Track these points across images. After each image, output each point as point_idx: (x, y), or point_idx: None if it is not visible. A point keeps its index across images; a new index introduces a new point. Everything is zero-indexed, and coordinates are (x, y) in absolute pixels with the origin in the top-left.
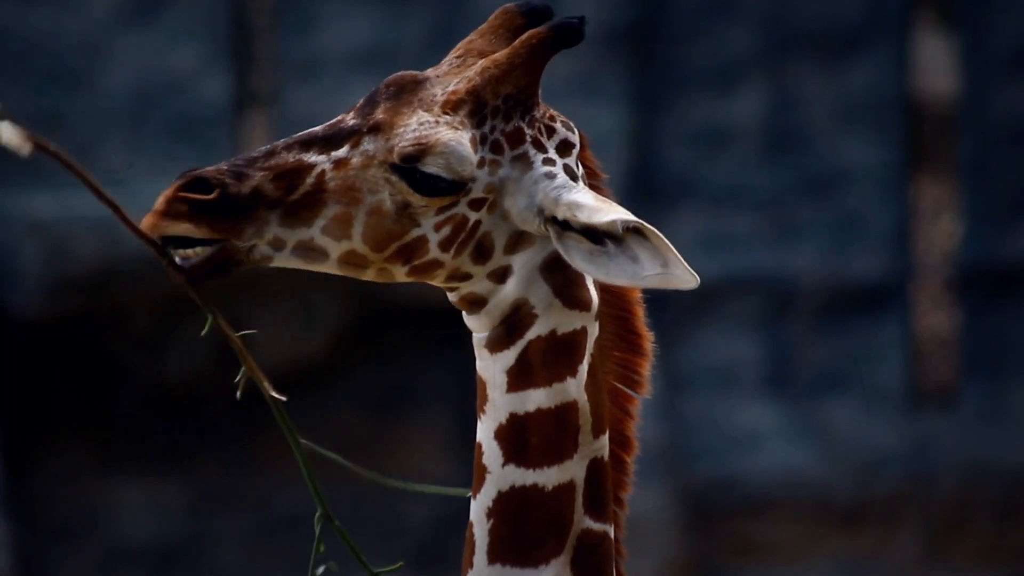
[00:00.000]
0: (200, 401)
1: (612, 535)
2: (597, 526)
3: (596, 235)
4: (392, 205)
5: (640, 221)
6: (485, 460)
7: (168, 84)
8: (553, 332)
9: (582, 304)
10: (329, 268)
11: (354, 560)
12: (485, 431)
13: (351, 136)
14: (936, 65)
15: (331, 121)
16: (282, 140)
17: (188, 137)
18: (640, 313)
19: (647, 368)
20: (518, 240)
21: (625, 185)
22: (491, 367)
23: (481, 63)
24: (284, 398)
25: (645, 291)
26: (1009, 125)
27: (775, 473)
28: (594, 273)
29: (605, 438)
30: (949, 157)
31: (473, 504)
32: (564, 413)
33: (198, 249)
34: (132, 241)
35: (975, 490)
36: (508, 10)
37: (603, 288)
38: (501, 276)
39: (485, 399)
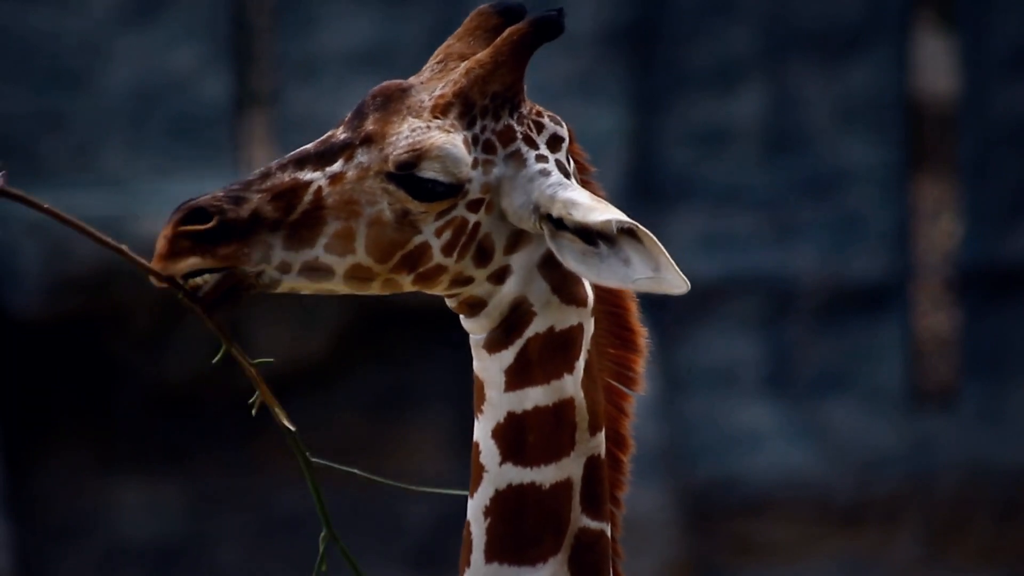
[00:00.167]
0: (200, 401)
1: (609, 534)
2: (594, 524)
3: (589, 235)
4: (392, 214)
5: (634, 223)
6: (482, 459)
7: (168, 84)
8: (551, 329)
9: (579, 300)
10: (336, 285)
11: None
12: (482, 430)
13: (344, 150)
14: (936, 65)
15: (322, 137)
16: (275, 161)
17: (188, 137)
18: (634, 309)
19: (641, 364)
20: (517, 240)
21: (625, 185)
22: (489, 367)
23: (465, 64)
24: (294, 428)
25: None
26: (1009, 125)
27: (775, 473)
28: (585, 273)
29: (601, 435)
30: (949, 157)
31: (470, 503)
32: (561, 411)
33: (207, 276)
34: (132, 241)
35: (975, 490)
36: (483, 11)
37: (597, 284)
38: (500, 277)
39: (482, 399)
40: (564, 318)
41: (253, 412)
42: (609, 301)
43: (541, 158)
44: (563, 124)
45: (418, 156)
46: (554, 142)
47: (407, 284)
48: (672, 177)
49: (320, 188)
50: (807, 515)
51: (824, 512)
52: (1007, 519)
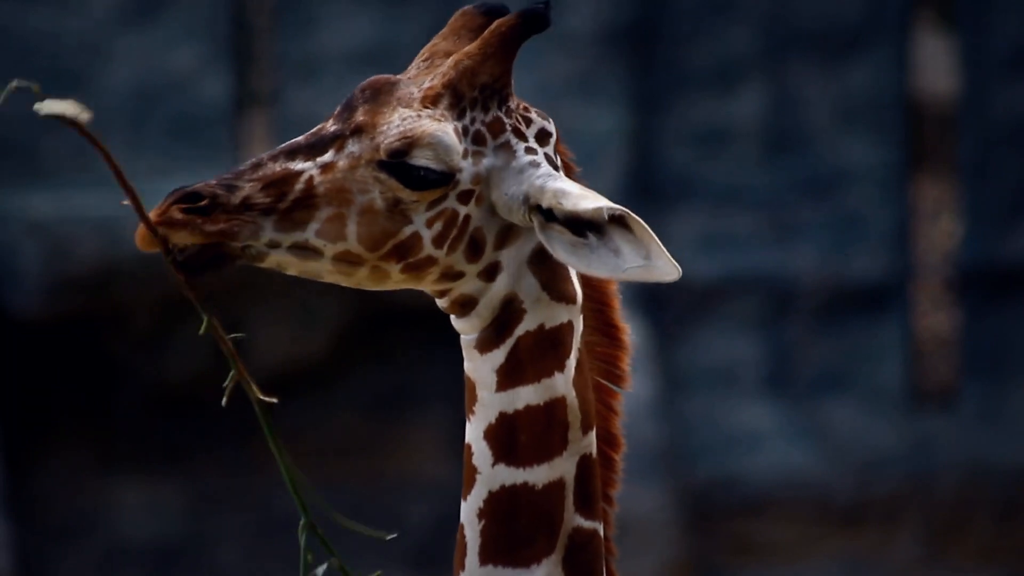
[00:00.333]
0: (200, 401)
1: (602, 532)
2: (587, 524)
3: (579, 226)
4: (383, 203)
5: (624, 209)
6: (475, 461)
7: (168, 84)
8: (541, 327)
9: (568, 297)
10: (324, 266)
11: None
12: (474, 431)
13: (334, 141)
14: (936, 65)
15: (312, 131)
16: (266, 152)
17: (188, 137)
18: (617, 306)
19: (627, 362)
20: (506, 235)
21: (625, 185)
22: (481, 367)
23: (453, 57)
24: (275, 400)
25: (646, 290)
26: (1009, 125)
27: (775, 473)
28: (575, 264)
29: (593, 434)
30: (949, 157)
31: (464, 506)
32: (553, 410)
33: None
34: (132, 241)
35: (975, 490)
36: (467, 12)
37: (583, 281)
38: (491, 274)
39: (474, 399)
40: (554, 315)
41: (227, 394)
42: (594, 298)
43: (530, 150)
44: (550, 120)
45: (410, 144)
46: (542, 136)
47: (395, 274)
48: (672, 177)
49: (311, 177)
50: (807, 515)
51: (824, 512)
52: (1007, 519)
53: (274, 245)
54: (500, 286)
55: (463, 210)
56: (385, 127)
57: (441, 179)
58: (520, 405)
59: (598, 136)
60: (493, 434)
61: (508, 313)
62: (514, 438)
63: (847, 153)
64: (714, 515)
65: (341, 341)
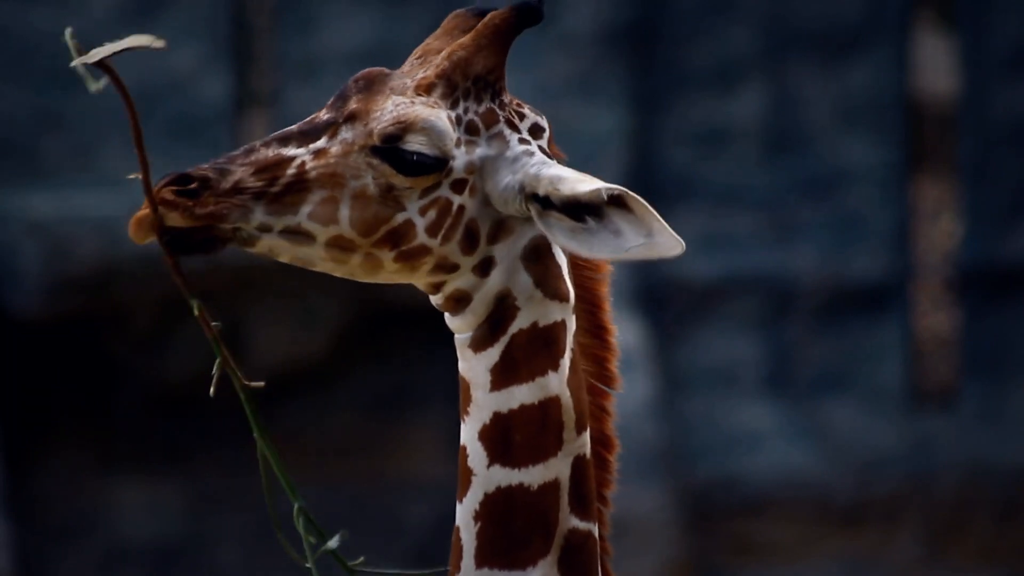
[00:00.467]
0: (200, 401)
1: (597, 533)
2: (582, 525)
3: (577, 211)
4: (376, 189)
5: (622, 188)
6: (470, 462)
7: (168, 84)
8: (535, 325)
9: (561, 295)
10: (316, 252)
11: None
12: (469, 433)
13: (328, 128)
14: (936, 65)
15: (306, 120)
16: (259, 139)
17: (188, 137)
18: (608, 308)
19: (615, 363)
20: (500, 229)
21: (625, 185)
22: (475, 367)
23: (447, 49)
24: (261, 384)
25: (646, 290)
26: (1009, 125)
27: (775, 473)
28: (577, 249)
29: (587, 435)
30: (949, 157)
31: (459, 508)
32: (547, 409)
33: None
34: (132, 241)
35: (975, 490)
36: (459, 14)
37: (574, 282)
38: (485, 268)
39: (468, 400)
40: (547, 313)
41: (214, 382)
42: (586, 299)
43: (524, 141)
44: (543, 117)
45: (403, 128)
46: (536, 130)
47: (388, 263)
48: (672, 177)
49: (304, 163)
50: (807, 515)
51: (824, 512)
52: (1007, 519)
53: (265, 229)
54: (494, 282)
55: (457, 200)
56: (379, 113)
57: (435, 164)
58: (515, 405)
59: (598, 136)
60: (488, 435)
61: (502, 310)
62: (509, 438)
63: (847, 153)
64: (714, 515)
65: (341, 341)
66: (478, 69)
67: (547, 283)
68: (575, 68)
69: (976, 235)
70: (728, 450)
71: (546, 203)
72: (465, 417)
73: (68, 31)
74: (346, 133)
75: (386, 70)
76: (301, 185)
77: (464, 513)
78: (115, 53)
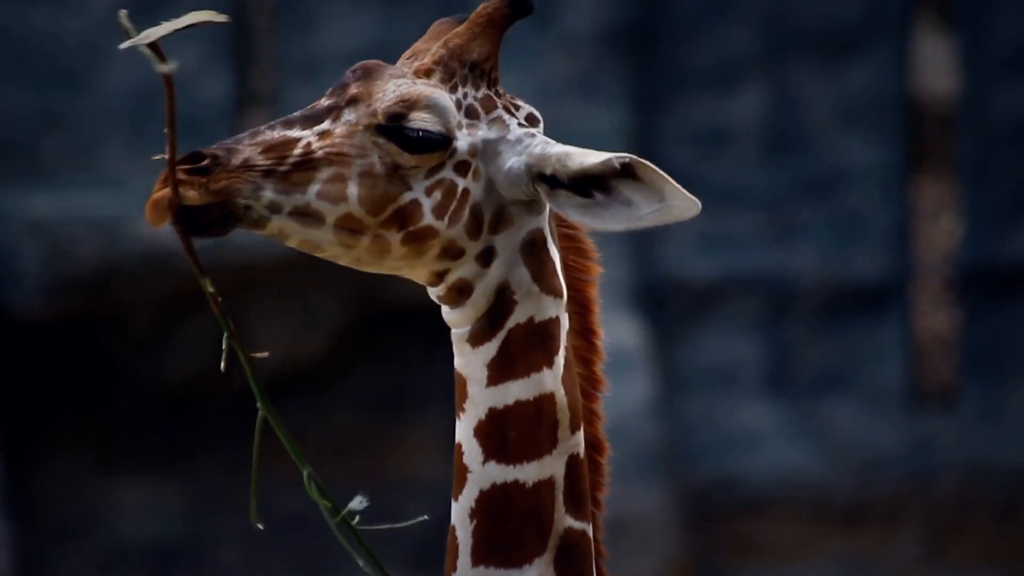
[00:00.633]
0: (200, 401)
1: (591, 534)
2: (577, 524)
3: (584, 187)
4: (382, 167)
5: (632, 156)
6: (465, 460)
7: None
8: (531, 319)
9: (555, 291)
10: (325, 236)
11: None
12: (464, 429)
13: (330, 112)
14: (936, 65)
15: (307, 107)
16: (263, 124)
17: (188, 137)
18: (597, 310)
19: (600, 366)
20: (500, 218)
21: None
22: (472, 362)
23: (443, 39)
24: (267, 354)
25: (645, 289)
26: (1009, 125)
27: (775, 473)
28: (590, 223)
29: (580, 434)
30: (949, 157)
31: (455, 506)
32: (542, 406)
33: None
34: (132, 241)
35: (975, 490)
36: (445, 21)
37: (566, 283)
38: (487, 258)
39: (464, 397)
40: (543, 309)
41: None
42: (577, 301)
43: (523, 125)
44: (537, 111)
45: (408, 106)
46: (531, 119)
47: (396, 244)
48: (672, 177)
49: (309, 143)
50: (807, 515)
51: (824, 512)
52: (1007, 519)
53: (275, 209)
54: (495, 273)
55: (461, 183)
56: (381, 94)
57: (440, 141)
58: (510, 400)
59: (598, 136)
60: (483, 431)
61: (501, 303)
62: (504, 434)
63: (847, 153)
64: (714, 515)
65: (341, 341)
66: (474, 56)
67: (543, 278)
68: (575, 68)
69: (976, 235)
70: (728, 450)
71: (553, 182)
72: (460, 414)
73: (123, 13)
74: (349, 115)
75: (382, 63)
76: (309, 164)
77: (460, 511)
78: (174, 31)
